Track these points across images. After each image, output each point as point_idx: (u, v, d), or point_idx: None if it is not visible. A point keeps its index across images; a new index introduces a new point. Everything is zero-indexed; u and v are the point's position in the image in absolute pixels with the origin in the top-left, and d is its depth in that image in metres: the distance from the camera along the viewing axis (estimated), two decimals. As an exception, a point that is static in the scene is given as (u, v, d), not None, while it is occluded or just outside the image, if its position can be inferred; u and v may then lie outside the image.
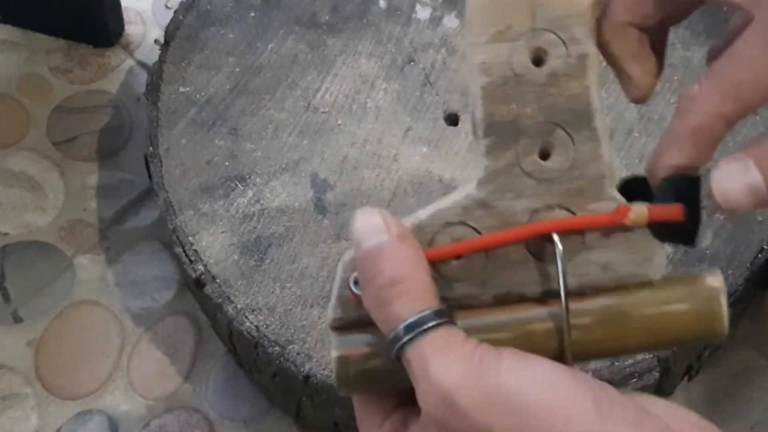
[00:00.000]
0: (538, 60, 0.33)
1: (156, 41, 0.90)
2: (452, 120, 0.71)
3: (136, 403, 0.72)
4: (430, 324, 0.30)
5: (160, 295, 0.77)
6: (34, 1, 0.89)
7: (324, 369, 0.59)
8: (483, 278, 0.33)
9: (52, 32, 0.90)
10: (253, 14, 0.75)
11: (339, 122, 0.70)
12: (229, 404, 0.72)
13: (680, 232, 0.33)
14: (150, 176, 0.69)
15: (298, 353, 0.60)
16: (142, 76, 0.88)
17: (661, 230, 0.33)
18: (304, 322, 0.61)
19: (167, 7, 0.94)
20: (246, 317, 0.61)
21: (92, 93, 0.88)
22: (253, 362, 0.65)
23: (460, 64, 0.73)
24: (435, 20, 0.75)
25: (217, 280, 0.63)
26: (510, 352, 0.29)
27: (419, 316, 0.30)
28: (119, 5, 0.91)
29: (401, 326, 0.30)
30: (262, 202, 0.66)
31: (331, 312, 0.33)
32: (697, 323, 0.33)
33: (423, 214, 0.33)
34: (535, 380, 0.29)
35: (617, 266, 0.33)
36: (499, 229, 0.33)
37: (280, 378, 0.63)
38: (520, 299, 0.33)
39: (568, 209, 0.33)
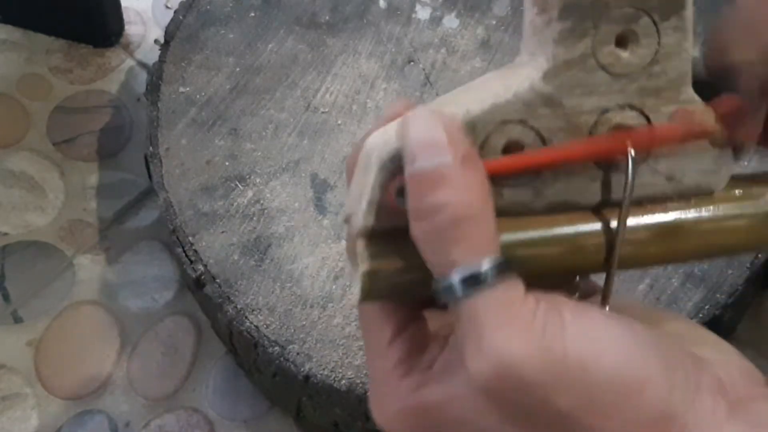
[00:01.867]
0: None
1: (156, 41, 0.90)
2: (452, 120, 0.71)
3: (136, 403, 0.72)
4: (490, 278, 0.26)
5: (160, 295, 0.77)
6: (34, 1, 0.89)
7: (324, 369, 0.59)
8: (537, 185, 0.29)
9: (52, 32, 0.90)
10: (253, 14, 0.75)
11: (339, 122, 0.70)
12: (229, 404, 0.72)
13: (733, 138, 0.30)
14: (150, 176, 0.69)
15: (298, 353, 0.60)
16: (142, 76, 0.88)
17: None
18: (304, 322, 0.61)
19: (167, 7, 0.94)
20: (246, 317, 0.61)
21: (92, 93, 0.88)
22: (253, 362, 0.65)
23: (460, 64, 0.73)
24: (435, 20, 0.75)
25: (217, 280, 0.63)
26: (572, 313, 0.26)
27: (478, 268, 0.26)
28: (119, 5, 0.91)
29: (457, 277, 0.26)
30: (262, 202, 0.66)
31: (361, 219, 0.28)
32: (753, 237, 0.30)
33: (476, 106, 0.28)
34: (603, 349, 0.26)
35: (683, 177, 0.30)
36: (563, 130, 0.29)
37: (280, 378, 0.63)
38: (574, 208, 0.29)
39: (641, 111, 0.29)
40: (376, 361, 0.30)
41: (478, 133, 0.28)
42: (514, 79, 0.29)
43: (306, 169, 0.68)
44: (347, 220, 0.29)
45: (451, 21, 0.75)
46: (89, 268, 0.78)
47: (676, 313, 0.31)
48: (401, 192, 0.27)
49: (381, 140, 0.28)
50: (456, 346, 0.28)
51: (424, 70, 0.73)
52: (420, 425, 0.29)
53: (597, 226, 0.29)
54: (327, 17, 0.75)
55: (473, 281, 0.26)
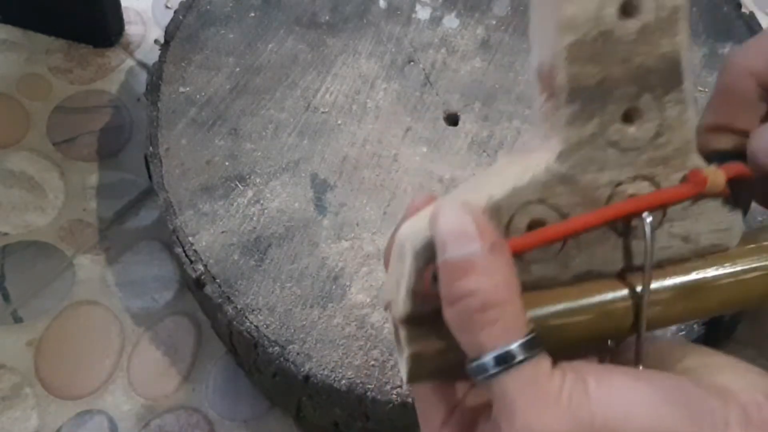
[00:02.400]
0: (627, 11, 0.29)
1: (156, 41, 0.90)
2: (452, 120, 0.71)
3: (136, 403, 0.72)
4: (518, 358, 0.28)
5: (160, 295, 0.77)
6: (34, 1, 0.89)
7: (324, 369, 0.59)
8: (562, 259, 0.31)
9: (52, 32, 0.90)
10: (253, 14, 0.75)
11: (339, 122, 0.70)
12: (229, 404, 0.72)
13: (740, 198, 0.32)
14: (150, 176, 0.69)
15: (298, 353, 0.60)
16: (142, 76, 0.88)
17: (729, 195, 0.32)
18: (304, 322, 0.61)
19: (167, 7, 0.94)
20: (246, 317, 0.61)
21: (92, 93, 0.88)
22: (253, 362, 0.65)
23: (460, 64, 0.73)
24: (435, 20, 0.75)
25: (217, 280, 0.63)
26: (596, 379, 0.28)
27: (508, 348, 0.28)
28: (119, 5, 0.91)
29: (488, 358, 0.28)
30: (262, 202, 0.66)
31: (401, 305, 0.30)
32: None
33: (498, 190, 0.30)
34: (629, 410, 0.27)
35: (699, 237, 0.31)
36: (581, 205, 0.30)
37: (280, 378, 0.63)
38: (598, 277, 0.31)
39: (652, 180, 0.31)
40: None
41: (503, 215, 0.30)
42: (531, 162, 0.31)
43: (306, 169, 0.68)
44: (387, 307, 0.31)
45: (451, 21, 0.75)
46: (89, 268, 0.78)
47: (693, 345, 0.32)
48: (435, 278, 0.29)
49: (413, 230, 0.30)
50: (494, 422, 0.29)
51: (424, 70, 0.73)
52: None
53: (623, 292, 0.31)
54: (327, 17, 0.75)
55: (503, 361, 0.28)
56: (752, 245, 0.33)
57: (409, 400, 0.59)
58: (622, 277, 0.31)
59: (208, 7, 0.76)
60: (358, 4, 0.76)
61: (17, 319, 0.75)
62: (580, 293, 0.31)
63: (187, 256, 0.64)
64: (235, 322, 0.62)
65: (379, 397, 0.59)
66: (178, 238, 0.65)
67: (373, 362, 0.60)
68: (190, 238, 0.64)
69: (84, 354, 0.74)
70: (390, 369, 0.59)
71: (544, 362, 0.28)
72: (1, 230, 0.79)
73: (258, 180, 0.67)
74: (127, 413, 0.71)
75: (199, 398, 0.72)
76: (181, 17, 0.75)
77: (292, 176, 0.67)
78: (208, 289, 0.63)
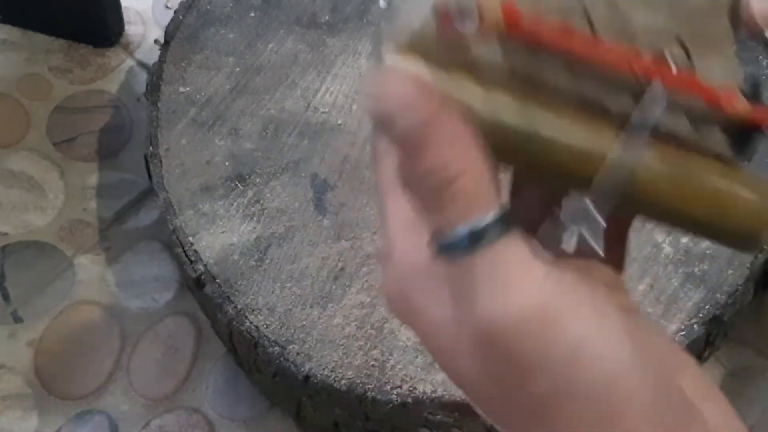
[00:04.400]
0: None
1: (156, 41, 0.90)
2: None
3: (136, 403, 0.72)
4: (491, 234, 0.25)
5: (160, 295, 0.77)
6: (34, 1, 0.89)
7: (324, 369, 0.59)
8: (577, 71, 0.28)
9: (52, 32, 0.90)
10: (253, 14, 0.75)
11: (339, 122, 0.70)
12: (229, 404, 0.72)
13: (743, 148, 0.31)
14: (150, 176, 0.69)
15: (298, 353, 0.60)
16: (142, 76, 0.88)
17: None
18: (304, 322, 0.61)
19: (167, 7, 0.94)
20: (246, 317, 0.61)
21: (92, 93, 0.88)
22: (253, 362, 0.65)
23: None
24: (435, 20, 0.75)
25: (217, 280, 0.63)
26: (572, 276, 0.25)
27: (477, 224, 0.24)
28: (119, 5, 0.91)
29: (456, 235, 0.25)
30: (262, 202, 0.66)
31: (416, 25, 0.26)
32: (754, 217, 0.30)
33: None
34: (603, 344, 0.24)
35: (706, 134, 0.30)
36: (614, 37, 0.29)
37: (280, 378, 0.63)
38: (602, 112, 0.29)
39: (687, 51, 0.29)
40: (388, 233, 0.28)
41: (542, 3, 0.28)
42: None
43: (306, 169, 0.68)
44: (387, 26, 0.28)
45: (451, 21, 0.75)
46: (89, 268, 0.78)
47: (694, 365, 0.29)
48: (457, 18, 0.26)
49: None
50: (463, 296, 0.26)
51: (424, 70, 0.73)
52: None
53: (619, 137, 0.28)
54: (327, 17, 0.75)
55: (474, 238, 0.25)
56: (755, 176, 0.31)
57: (409, 400, 0.59)
58: (622, 125, 0.29)
59: (208, 7, 0.76)
60: (358, 4, 0.76)
61: (17, 319, 0.75)
62: (576, 117, 0.28)
63: (187, 256, 0.64)
64: (235, 322, 0.62)
65: (379, 397, 0.59)
66: (178, 238, 0.65)
67: (373, 362, 0.60)
68: (190, 238, 0.64)
69: (84, 354, 0.74)
70: (390, 369, 0.59)
71: (519, 245, 0.25)
72: (1, 230, 0.79)
73: (258, 180, 0.67)
74: (127, 413, 0.71)
75: (199, 398, 0.72)
76: (181, 17, 0.75)
77: (292, 176, 0.67)
78: (208, 289, 0.63)
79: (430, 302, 0.26)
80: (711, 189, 0.30)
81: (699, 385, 0.28)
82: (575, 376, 0.24)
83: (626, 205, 0.29)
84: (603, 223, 0.29)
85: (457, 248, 0.25)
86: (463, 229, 0.25)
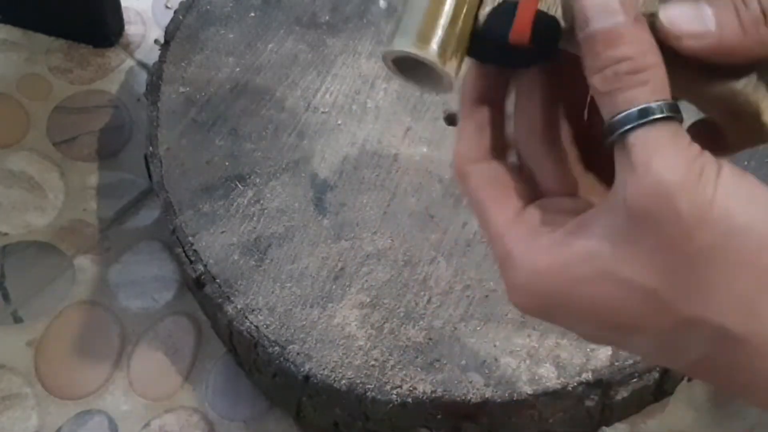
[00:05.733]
0: None
1: (156, 41, 0.90)
2: (452, 120, 0.71)
3: (136, 403, 0.72)
4: (664, 114, 0.29)
5: (160, 295, 0.77)
6: (34, 1, 0.89)
7: (324, 369, 0.59)
8: None
9: (52, 32, 0.90)
10: (253, 14, 0.75)
11: (339, 122, 0.70)
12: (229, 404, 0.72)
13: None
14: (150, 176, 0.69)
15: (298, 353, 0.60)
16: (142, 76, 0.88)
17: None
18: (304, 322, 0.61)
19: (167, 7, 0.94)
20: (246, 317, 0.61)
21: (92, 93, 0.88)
22: (253, 362, 0.65)
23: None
24: (435, 20, 0.75)
25: (217, 280, 0.63)
26: (730, 169, 0.29)
27: (654, 105, 0.29)
28: (119, 5, 0.91)
29: (635, 108, 0.29)
30: (262, 202, 0.66)
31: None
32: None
33: None
34: (751, 203, 0.28)
35: None
36: None
37: (280, 378, 0.63)
38: None
39: None
40: (501, 239, 0.32)
41: None
42: None
43: (306, 169, 0.68)
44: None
45: (451, 21, 0.75)
46: (89, 268, 0.78)
47: None
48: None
49: None
50: (616, 187, 0.30)
51: (424, 70, 0.73)
52: (554, 289, 0.31)
53: None
54: (327, 17, 0.75)
55: (651, 113, 0.29)
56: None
57: (409, 400, 0.59)
58: None
59: (208, 7, 0.76)
60: (358, 4, 0.76)
61: (17, 319, 0.75)
62: None
63: (187, 256, 0.64)
64: (235, 322, 0.62)
65: (379, 397, 0.59)
66: (178, 238, 0.65)
67: (373, 362, 0.60)
68: (190, 238, 0.64)
69: (84, 354, 0.74)
70: (390, 369, 0.59)
71: (683, 131, 0.29)
72: (1, 230, 0.79)
73: (258, 180, 0.67)
74: (127, 413, 0.71)
75: (199, 398, 0.72)
76: (181, 17, 0.75)
77: (292, 176, 0.67)
78: (208, 289, 0.63)
79: (574, 245, 0.30)
80: None
81: None
82: (729, 234, 0.28)
83: None
84: None
85: (633, 122, 0.29)
86: (642, 105, 0.29)
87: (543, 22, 0.32)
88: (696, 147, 0.29)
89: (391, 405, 0.59)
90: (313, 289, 0.62)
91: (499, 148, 0.35)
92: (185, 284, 0.76)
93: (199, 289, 0.64)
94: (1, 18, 0.91)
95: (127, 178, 0.83)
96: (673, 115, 0.29)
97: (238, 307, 0.62)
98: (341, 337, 0.60)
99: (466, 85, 0.35)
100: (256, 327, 0.61)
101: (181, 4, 0.76)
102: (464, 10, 0.32)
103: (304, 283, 0.63)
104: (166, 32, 0.74)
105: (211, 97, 0.71)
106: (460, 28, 0.33)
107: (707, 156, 0.29)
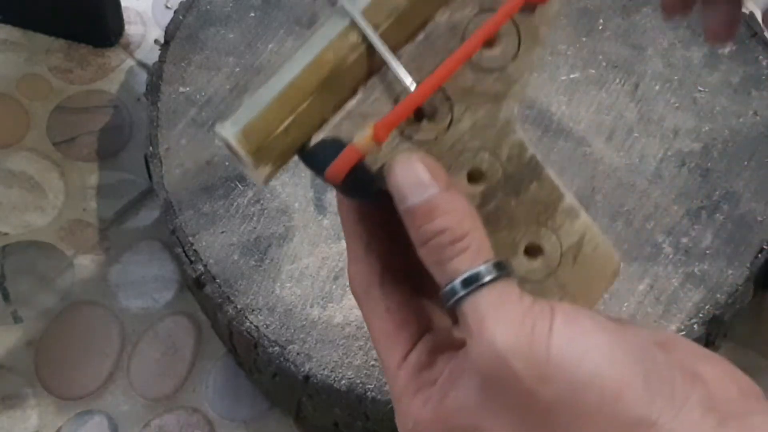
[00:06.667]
0: None
1: (156, 41, 0.90)
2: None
3: (136, 403, 0.72)
4: (488, 278, 0.30)
5: (160, 295, 0.77)
6: (34, 1, 0.89)
7: (324, 369, 0.59)
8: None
9: (52, 32, 0.90)
10: (253, 14, 0.75)
11: (339, 122, 0.70)
12: (229, 404, 0.72)
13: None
14: (150, 176, 0.69)
15: (298, 353, 0.60)
16: (142, 76, 0.88)
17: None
18: (304, 322, 0.61)
19: (167, 7, 0.94)
20: (246, 317, 0.61)
21: (92, 93, 0.88)
22: (253, 362, 0.65)
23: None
24: (435, 20, 0.75)
25: (217, 280, 0.63)
26: (563, 315, 0.29)
27: (477, 270, 0.30)
28: (119, 5, 0.91)
29: (458, 281, 0.30)
30: (262, 202, 0.66)
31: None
32: None
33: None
34: (586, 353, 0.29)
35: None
36: None
37: (280, 378, 0.63)
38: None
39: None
40: (390, 382, 0.34)
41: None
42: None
43: (306, 169, 0.68)
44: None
45: (451, 21, 0.75)
46: (89, 268, 0.78)
47: (680, 337, 0.33)
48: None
49: None
50: (463, 351, 0.31)
51: (424, 70, 0.73)
52: None
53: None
54: (327, 17, 0.75)
55: (474, 281, 0.30)
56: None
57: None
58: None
59: (208, 7, 0.76)
60: (358, 4, 0.76)
61: (17, 319, 0.75)
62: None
63: (187, 256, 0.64)
64: (235, 322, 0.62)
65: (379, 397, 0.59)
66: (178, 238, 0.65)
67: (373, 362, 0.60)
68: (190, 238, 0.64)
69: (84, 354, 0.74)
70: (390, 369, 0.59)
71: (512, 286, 0.30)
72: (1, 230, 0.79)
73: (258, 180, 0.67)
74: (127, 413, 0.71)
75: (199, 398, 0.72)
76: (181, 17, 0.75)
77: (292, 176, 0.67)
78: (208, 289, 0.63)
79: (444, 401, 0.31)
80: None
81: (691, 352, 0.31)
82: (571, 385, 0.28)
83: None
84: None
85: (458, 291, 0.30)
86: (464, 275, 0.30)
87: (360, 174, 0.32)
88: (527, 300, 0.30)
89: (391, 405, 0.59)
90: (313, 289, 0.62)
91: (394, 269, 0.35)
92: (185, 284, 0.76)
93: (199, 289, 0.64)
94: (1, 18, 0.91)
95: (127, 178, 0.83)
96: (499, 273, 0.30)
97: (238, 307, 0.62)
98: (341, 337, 0.60)
99: (341, 203, 0.36)
100: (256, 327, 0.61)
101: (181, 4, 0.76)
102: (301, 127, 0.33)
103: (304, 283, 0.63)
104: (166, 32, 0.74)
105: (211, 97, 0.71)
106: (288, 142, 0.33)
107: (538, 307, 0.30)
